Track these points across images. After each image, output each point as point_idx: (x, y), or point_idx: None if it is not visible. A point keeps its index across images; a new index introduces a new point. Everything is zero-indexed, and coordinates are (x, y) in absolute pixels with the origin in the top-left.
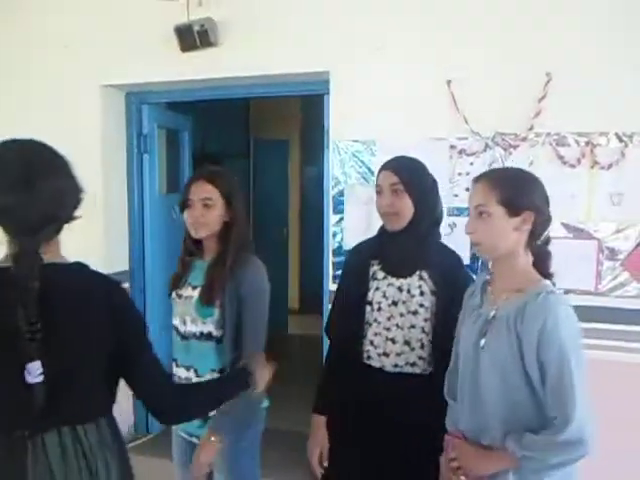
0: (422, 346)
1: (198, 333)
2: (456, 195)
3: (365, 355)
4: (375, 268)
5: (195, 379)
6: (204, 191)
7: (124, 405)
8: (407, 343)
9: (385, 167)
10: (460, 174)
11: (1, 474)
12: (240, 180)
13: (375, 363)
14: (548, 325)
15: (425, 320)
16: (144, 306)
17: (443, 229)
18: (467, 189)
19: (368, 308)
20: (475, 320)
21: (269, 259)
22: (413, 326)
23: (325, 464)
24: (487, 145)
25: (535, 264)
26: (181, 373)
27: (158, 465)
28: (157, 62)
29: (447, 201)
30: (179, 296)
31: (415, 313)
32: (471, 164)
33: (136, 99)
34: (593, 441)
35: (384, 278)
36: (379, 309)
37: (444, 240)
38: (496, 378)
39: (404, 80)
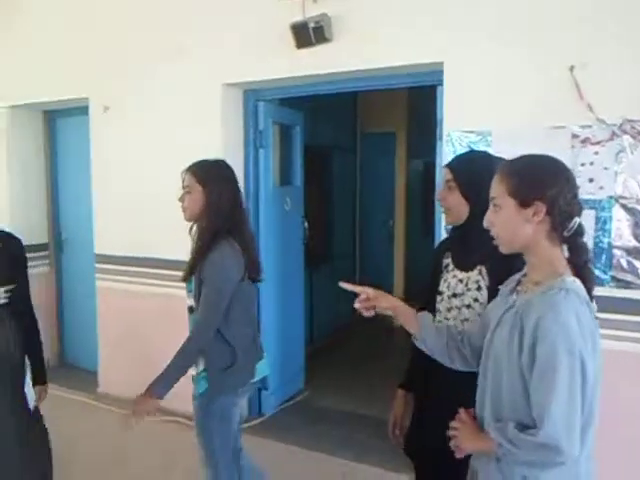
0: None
1: (188, 307)
2: (578, 187)
3: None
4: (447, 260)
5: None
6: (186, 180)
7: None
8: None
9: (445, 164)
10: (583, 164)
11: None
12: (347, 172)
13: None
14: (547, 321)
15: (479, 315)
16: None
17: None
18: (590, 180)
19: (438, 298)
20: (500, 307)
21: (374, 250)
22: (466, 319)
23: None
24: (614, 133)
25: (570, 257)
26: None
27: (271, 446)
28: (273, 60)
29: None
30: None
31: (469, 307)
32: (596, 153)
33: (253, 96)
34: (572, 450)
35: (452, 270)
36: (442, 300)
37: None
38: (495, 366)
39: (521, 67)
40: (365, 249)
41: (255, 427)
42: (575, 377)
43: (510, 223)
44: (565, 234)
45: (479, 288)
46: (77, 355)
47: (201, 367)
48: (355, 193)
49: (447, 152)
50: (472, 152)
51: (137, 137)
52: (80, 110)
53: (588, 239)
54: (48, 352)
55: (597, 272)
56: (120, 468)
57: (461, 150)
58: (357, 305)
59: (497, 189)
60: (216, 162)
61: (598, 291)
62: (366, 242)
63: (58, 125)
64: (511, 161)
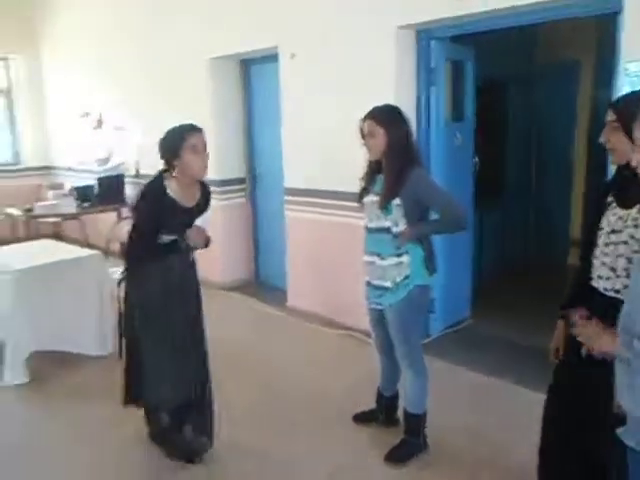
0: (628, 275)
1: (384, 228)
2: None
3: (591, 275)
4: (610, 199)
5: None
6: (368, 125)
7: None
8: (613, 270)
9: (609, 104)
10: None
11: None
12: (523, 106)
13: (594, 284)
14: None
15: (634, 252)
16: None
17: None
18: None
19: (599, 233)
20: None
21: (551, 187)
22: (621, 255)
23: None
24: None
25: None
26: None
27: (432, 362)
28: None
29: None
30: None
31: (625, 243)
32: None
33: (425, 35)
34: None
35: (614, 208)
36: (601, 235)
37: None
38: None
39: None
40: (541, 186)
41: (422, 346)
42: None
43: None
44: None
45: (636, 226)
46: (269, 274)
47: (403, 276)
48: (532, 127)
49: (623, 86)
50: (636, 91)
51: (320, 81)
52: (271, 58)
53: None
54: (246, 271)
55: None
56: (303, 363)
57: (638, 83)
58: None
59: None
60: (391, 107)
61: None
62: (543, 178)
63: (252, 72)
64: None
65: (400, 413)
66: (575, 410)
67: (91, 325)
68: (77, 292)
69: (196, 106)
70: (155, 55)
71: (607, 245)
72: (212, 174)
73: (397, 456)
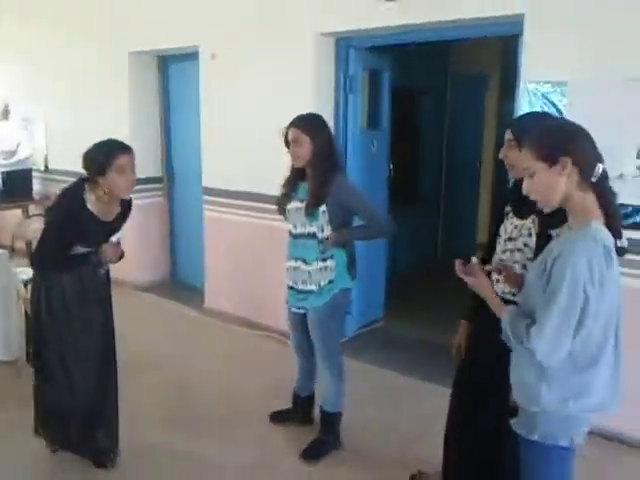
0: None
1: (306, 234)
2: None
3: (491, 279)
4: (508, 209)
5: None
6: (292, 133)
7: None
8: None
9: (507, 125)
10: None
11: None
12: (435, 115)
13: (494, 287)
14: (561, 258)
15: (528, 259)
16: None
17: (632, 170)
18: None
19: (497, 240)
20: None
21: (460, 193)
22: (516, 261)
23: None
24: None
25: (599, 200)
26: None
27: (347, 362)
28: (365, 10)
29: (638, 143)
30: None
31: (520, 250)
32: None
33: (345, 44)
34: (550, 363)
35: (511, 217)
36: (499, 242)
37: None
38: (526, 291)
39: (602, 16)
40: (451, 191)
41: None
42: (572, 308)
43: (546, 183)
44: (593, 180)
45: (530, 234)
46: (186, 275)
47: (327, 280)
48: (443, 135)
49: (523, 103)
50: (530, 113)
51: (241, 83)
52: (191, 56)
53: None
54: (163, 271)
55: None
56: (221, 366)
57: (536, 101)
58: (459, 273)
59: (528, 160)
60: (315, 115)
61: None
62: (452, 185)
63: (171, 69)
64: (533, 131)
65: (316, 412)
66: (476, 402)
67: None
68: None
69: (112, 101)
70: (70, 45)
71: (504, 252)
72: None
73: (311, 453)
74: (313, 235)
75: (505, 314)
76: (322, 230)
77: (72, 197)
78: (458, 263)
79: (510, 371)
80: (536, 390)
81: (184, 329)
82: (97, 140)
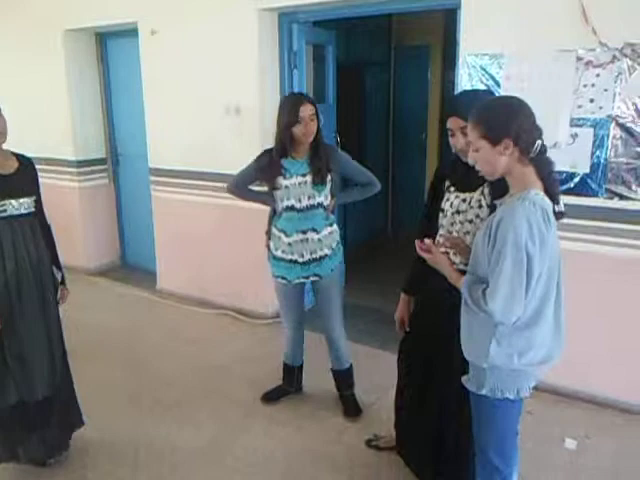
0: None
1: (315, 204)
2: (580, 106)
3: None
4: (448, 183)
5: None
6: (312, 110)
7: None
8: None
9: (451, 113)
10: (585, 86)
11: None
12: (380, 87)
13: None
14: (502, 223)
15: (478, 229)
16: None
17: (565, 138)
18: (591, 100)
19: (441, 214)
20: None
21: (407, 164)
22: (467, 232)
23: (406, 329)
24: (615, 57)
25: (537, 171)
26: None
27: (307, 335)
28: None
29: (571, 112)
30: None
31: (471, 222)
32: (597, 76)
33: (287, 19)
34: (508, 322)
35: (454, 191)
36: (445, 216)
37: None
38: (474, 258)
39: None
40: (398, 163)
41: None
42: (519, 267)
43: (488, 159)
44: (532, 155)
45: (480, 206)
46: (137, 257)
47: (336, 242)
48: (389, 108)
49: (463, 74)
50: (465, 92)
51: (183, 60)
52: (130, 32)
53: (586, 154)
54: (112, 254)
55: (593, 185)
56: (177, 345)
57: (475, 73)
58: (420, 252)
59: (472, 135)
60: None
61: (593, 202)
62: (399, 156)
63: (109, 46)
64: (476, 109)
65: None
66: (424, 372)
67: None
68: None
69: (49, 81)
70: (1, 24)
71: (452, 224)
72: (68, 154)
73: (355, 408)
74: (320, 205)
75: (463, 285)
76: (327, 198)
77: None
78: (418, 242)
79: (461, 331)
80: (486, 347)
81: (138, 311)
82: (34, 121)
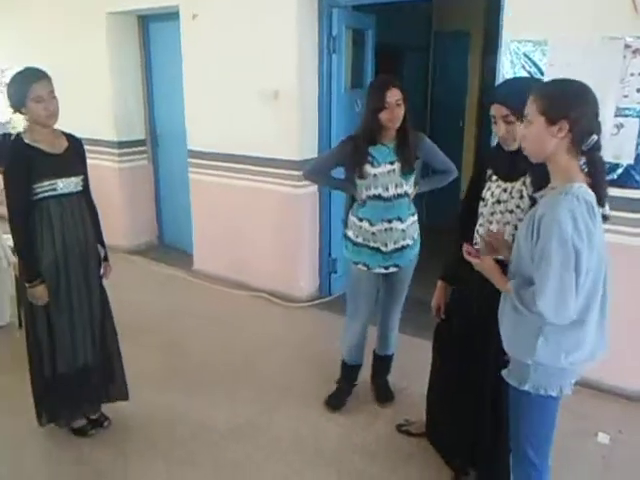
0: (513, 240)
1: (400, 193)
2: (626, 96)
3: (475, 240)
4: (490, 172)
5: None
6: (398, 94)
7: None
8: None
9: (494, 100)
10: (632, 75)
11: None
12: (419, 72)
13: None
14: (545, 217)
15: (519, 220)
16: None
17: (610, 128)
18: (638, 90)
19: (481, 203)
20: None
21: (443, 149)
22: (507, 222)
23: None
24: None
25: (588, 167)
26: None
27: (336, 319)
28: None
29: (616, 101)
30: None
31: (511, 212)
32: None
33: (327, 3)
34: (561, 321)
35: (496, 180)
36: (485, 205)
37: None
38: (517, 254)
39: None
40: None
41: (324, 304)
42: (566, 263)
43: (538, 137)
44: (584, 148)
45: (521, 197)
46: (174, 238)
47: (417, 232)
48: (427, 94)
49: (505, 60)
50: (514, 79)
51: (223, 44)
52: (171, 16)
53: (631, 145)
54: (150, 234)
55: (637, 177)
56: (213, 326)
57: (517, 60)
58: (467, 257)
59: (530, 108)
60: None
61: (637, 194)
62: (436, 143)
63: (151, 29)
64: (544, 83)
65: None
66: (458, 360)
67: None
68: None
69: (92, 63)
70: (47, 6)
71: (492, 214)
72: (110, 135)
73: (388, 394)
74: (406, 194)
75: (511, 289)
76: (411, 187)
77: (13, 142)
78: (466, 247)
79: (501, 326)
80: (531, 344)
81: (174, 291)
82: (77, 103)
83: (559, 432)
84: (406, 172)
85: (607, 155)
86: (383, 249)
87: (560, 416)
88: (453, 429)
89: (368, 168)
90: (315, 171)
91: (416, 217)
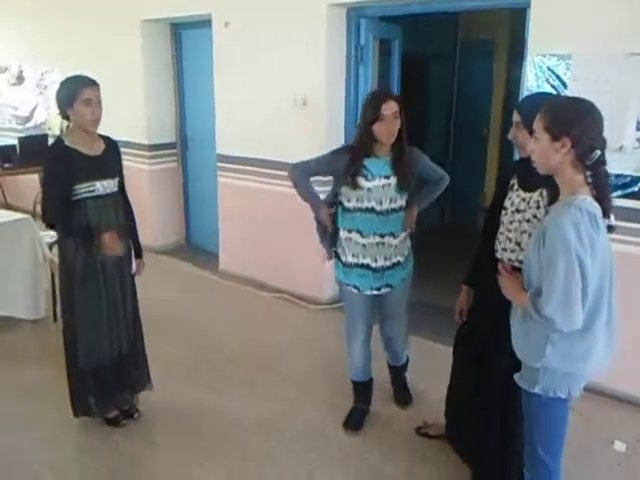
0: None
1: (395, 207)
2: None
3: (495, 247)
4: (513, 181)
5: None
6: (395, 107)
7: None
8: (518, 244)
9: (515, 107)
10: None
11: None
12: (444, 81)
13: (499, 255)
14: (549, 229)
15: (535, 228)
16: None
17: (631, 142)
18: None
19: (503, 212)
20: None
21: (467, 158)
22: (524, 231)
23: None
24: None
25: (592, 181)
26: None
27: None
28: None
29: (638, 116)
30: None
31: (528, 221)
32: None
33: (355, 14)
34: (570, 327)
35: (517, 190)
36: (505, 214)
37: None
38: (527, 263)
39: None
40: (458, 157)
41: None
42: (572, 271)
43: (544, 152)
44: (587, 163)
45: (538, 207)
46: (201, 239)
47: (407, 249)
48: (452, 102)
49: (529, 73)
50: (538, 94)
51: (254, 51)
52: (204, 24)
53: None
54: (177, 235)
55: None
56: (238, 325)
57: (541, 74)
58: (502, 274)
59: (537, 124)
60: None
61: None
62: (460, 152)
63: (184, 37)
64: (552, 101)
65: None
66: (475, 364)
67: (24, 288)
68: (8, 256)
69: (126, 68)
70: (84, 12)
71: (511, 222)
72: (141, 138)
73: (407, 398)
74: (401, 208)
75: (527, 301)
76: (405, 201)
77: (53, 144)
78: (502, 265)
79: (513, 334)
80: (541, 351)
81: (200, 290)
82: (111, 106)
83: (575, 439)
84: (403, 188)
85: (628, 168)
86: (373, 265)
87: (576, 423)
88: (471, 430)
89: (362, 181)
90: (302, 172)
91: (407, 232)
